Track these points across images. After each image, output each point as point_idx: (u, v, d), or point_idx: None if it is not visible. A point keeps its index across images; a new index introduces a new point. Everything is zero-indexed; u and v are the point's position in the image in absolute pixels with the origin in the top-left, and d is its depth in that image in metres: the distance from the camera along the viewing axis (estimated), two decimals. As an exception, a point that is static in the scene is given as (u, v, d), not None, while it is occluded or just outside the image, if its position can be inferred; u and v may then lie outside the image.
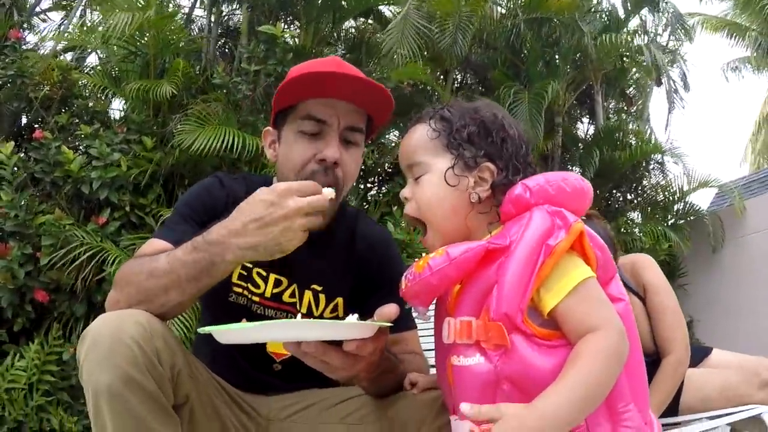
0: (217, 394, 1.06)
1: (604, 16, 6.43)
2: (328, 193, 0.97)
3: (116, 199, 3.80)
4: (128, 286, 0.98)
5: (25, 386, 3.28)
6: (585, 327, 0.82)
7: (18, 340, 3.56)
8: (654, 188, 6.89)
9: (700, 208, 6.80)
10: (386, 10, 6.00)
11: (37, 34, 5.68)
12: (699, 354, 1.97)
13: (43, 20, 6.07)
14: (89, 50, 5.25)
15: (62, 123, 4.18)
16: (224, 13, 5.66)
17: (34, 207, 3.62)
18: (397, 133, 5.90)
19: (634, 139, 6.52)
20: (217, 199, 1.19)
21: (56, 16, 6.01)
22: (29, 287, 3.49)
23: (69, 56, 5.34)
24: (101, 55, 5.09)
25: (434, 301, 0.97)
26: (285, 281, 1.21)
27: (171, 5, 5.22)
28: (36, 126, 4.49)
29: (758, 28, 8.90)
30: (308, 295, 1.22)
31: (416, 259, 0.92)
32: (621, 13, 6.40)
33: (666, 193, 6.76)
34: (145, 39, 4.33)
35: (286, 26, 5.30)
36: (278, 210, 0.92)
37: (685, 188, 6.65)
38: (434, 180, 0.96)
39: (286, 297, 1.21)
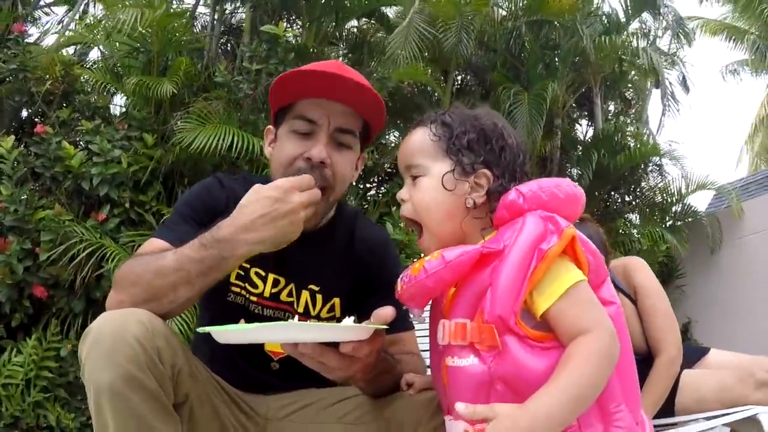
0: (216, 394, 1.07)
1: (604, 19, 6.44)
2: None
3: (116, 195, 3.81)
4: (132, 286, 0.99)
5: (22, 382, 3.28)
6: (576, 329, 0.84)
7: (16, 336, 3.56)
8: (652, 190, 6.91)
9: (698, 209, 6.82)
10: (388, 10, 6.01)
11: (40, 27, 5.67)
12: (696, 354, 1.98)
13: (47, 14, 6.05)
14: (92, 45, 5.24)
15: (63, 118, 4.18)
16: (227, 11, 5.66)
17: (33, 202, 3.61)
18: (397, 133, 5.91)
19: (632, 141, 6.53)
20: (217, 199, 1.20)
21: (60, 11, 5.96)
22: (28, 282, 3.50)
23: (71, 50, 5.34)
24: (104, 51, 5.08)
25: (429, 304, 0.99)
26: (283, 281, 1.22)
27: (175, 3, 5.22)
28: (37, 120, 4.47)
29: (757, 31, 8.93)
30: (305, 294, 1.23)
31: (413, 261, 0.94)
32: (621, 17, 6.40)
33: (664, 194, 6.78)
34: (149, 36, 4.33)
35: (288, 25, 5.31)
36: (284, 205, 0.98)
37: (684, 190, 6.66)
38: (432, 183, 0.97)
39: (283, 296, 1.23)
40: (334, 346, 0.91)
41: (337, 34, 5.75)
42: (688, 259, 6.58)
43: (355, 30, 6.12)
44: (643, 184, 6.88)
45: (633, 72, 6.92)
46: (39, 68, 4.34)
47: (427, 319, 1.01)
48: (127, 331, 0.90)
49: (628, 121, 7.19)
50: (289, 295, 1.23)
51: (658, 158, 6.69)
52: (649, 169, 6.84)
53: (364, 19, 5.98)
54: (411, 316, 1.03)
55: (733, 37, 8.97)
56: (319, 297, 1.24)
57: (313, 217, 1.08)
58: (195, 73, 4.49)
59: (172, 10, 4.50)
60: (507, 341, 0.85)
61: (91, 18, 5.45)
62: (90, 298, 3.64)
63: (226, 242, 0.98)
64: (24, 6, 5.24)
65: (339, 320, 0.96)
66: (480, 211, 0.96)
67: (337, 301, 1.26)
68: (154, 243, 1.11)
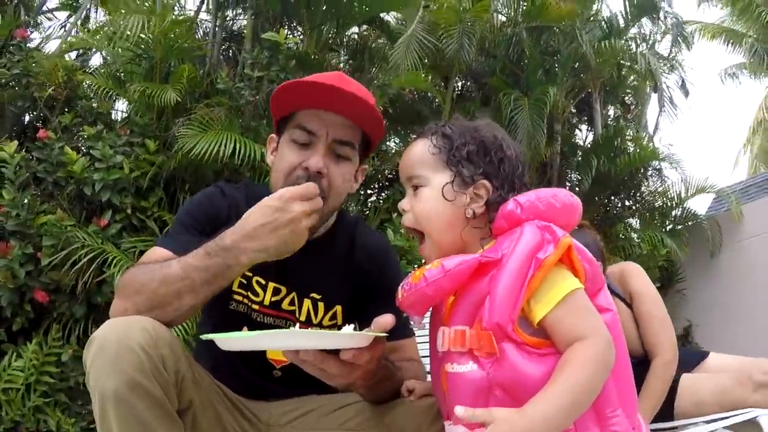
0: (219, 400, 1.08)
1: (603, 24, 6.46)
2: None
3: (118, 201, 3.81)
4: (137, 294, 1.00)
5: (22, 386, 3.27)
6: (573, 336, 0.86)
7: (16, 340, 3.55)
8: (652, 194, 6.91)
9: (698, 213, 6.82)
10: (388, 16, 6.02)
11: (42, 33, 5.68)
12: (695, 358, 1.99)
13: (49, 19, 6.07)
14: (94, 51, 5.26)
15: (66, 123, 4.18)
16: (228, 18, 5.68)
17: (35, 207, 3.61)
18: (397, 140, 5.91)
19: (632, 146, 6.54)
20: (219, 208, 1.21)
21: (63, 16, 5.97)
22: (29, 287, 3.49)
23: (74, 55, 5.35)
24: (107, 57, 5.10)
25: (429, 311, 1.00)
26: (284, 289, 1.24)
27: (177, 10, 5.24)
28: (39, 126, 4.48)
29: (755, 34, 8.96)
30: (307, 303, 1.25)
31: (413, 269, 0.96)
32: (621, 22, 6.42)
33: (664, 199, 6.78)
34: (152, 43, 4.35)
35: (289, 32, 5.33)
36: (285, 214, 1.00)
37: (683, 194, 6.67)
38: (432, 194, 0.99)
39: (285, 305, 1.24)
40: (335, 353, 0.92)
41: (338, 40, 5.76)
42: (689, 262, 6.58)
43: (356, 37, 6.14)
44: (642, 188, 6.88)
45: (632, 77, 6.94)
46: (42, 74, 4.34)
47: (427, 326, 1.03)
48: (132, 338, 0.91)
49: (628, 125, 7.20)
50: (291, 303, 1.24)
51: (657, 162, 6.69)
52: (649, 173, 6.85)
53: (365, 26, 6.00)
54: (411, 323, 1.04)
55: (732, 41, 9.00)
56: (321, 305, 1.26)
57: (315, 220, 1.09)
58: (197, 79, 4.51)
59: (174, 17, 4.51)
60: (505, 348, 0.87)
61: (94, 24, 5.48)
62: (91, 304, 3.64)
63: (230, 250, 1.00)
64: (27, 12, 5.27)
65: (341, 328, 0.98)
66: (479, 221, 0.98)
67: (339, 308, 1.27)
68: (158, 252, 1.12)
